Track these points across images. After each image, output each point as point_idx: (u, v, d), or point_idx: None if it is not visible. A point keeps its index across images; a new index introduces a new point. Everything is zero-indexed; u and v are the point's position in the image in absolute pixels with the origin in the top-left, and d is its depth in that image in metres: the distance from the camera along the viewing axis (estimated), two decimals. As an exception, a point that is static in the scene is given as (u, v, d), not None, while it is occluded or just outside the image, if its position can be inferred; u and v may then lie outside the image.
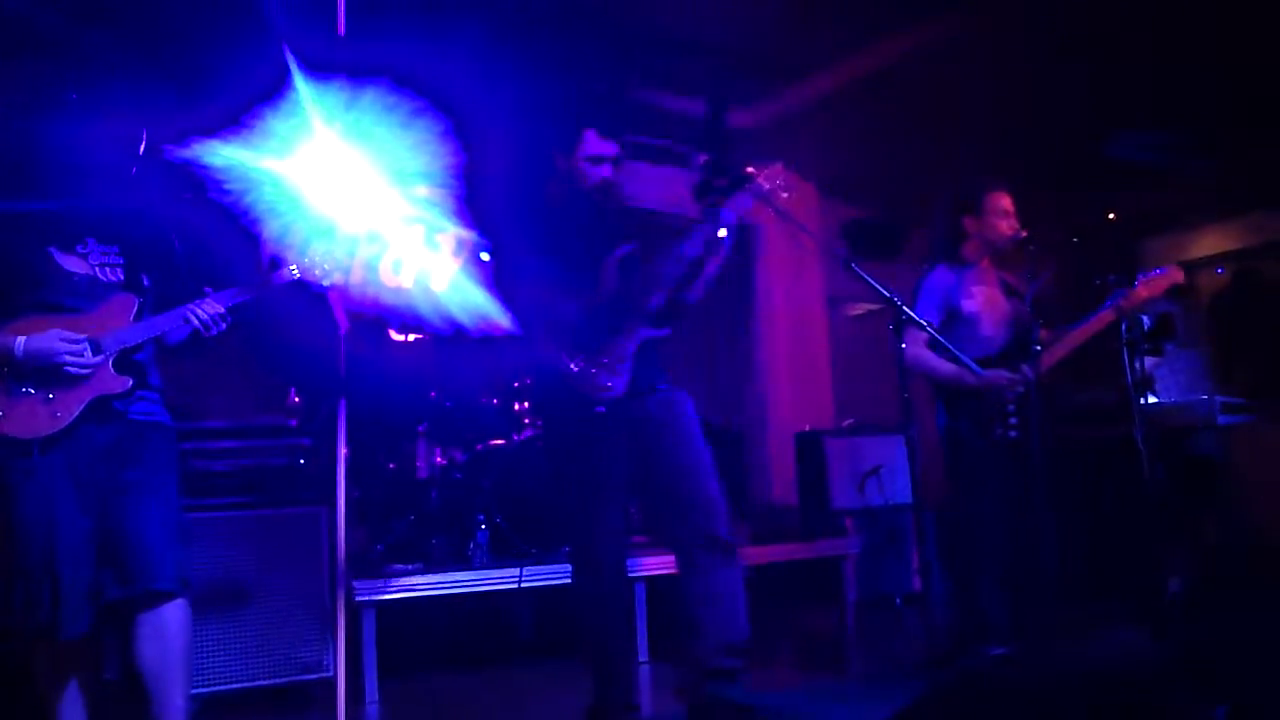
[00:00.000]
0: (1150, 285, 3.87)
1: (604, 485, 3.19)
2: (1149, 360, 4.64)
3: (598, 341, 3.15)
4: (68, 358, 2.66)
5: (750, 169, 3.25)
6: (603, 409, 3.10)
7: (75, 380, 2.68)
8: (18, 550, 2.60)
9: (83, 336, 2.70)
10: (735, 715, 2.96)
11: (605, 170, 3.28)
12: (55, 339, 2.66)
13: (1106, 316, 3.87)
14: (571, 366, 3.10)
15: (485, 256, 5.86)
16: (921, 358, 3.86)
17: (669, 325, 3.24)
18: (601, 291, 3.19)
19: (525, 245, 3.24)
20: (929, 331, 3.47)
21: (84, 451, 2.68)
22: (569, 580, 3.28)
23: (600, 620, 3.23)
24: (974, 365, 3.46)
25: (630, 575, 4.49)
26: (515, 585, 4.41)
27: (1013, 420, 3.81)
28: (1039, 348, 3.74)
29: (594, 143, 3.25)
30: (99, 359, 2.70)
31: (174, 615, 2.71)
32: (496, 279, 3.37)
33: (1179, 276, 3.90)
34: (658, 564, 4.54)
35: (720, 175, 3.39)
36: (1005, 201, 4.02)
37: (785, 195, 3.25)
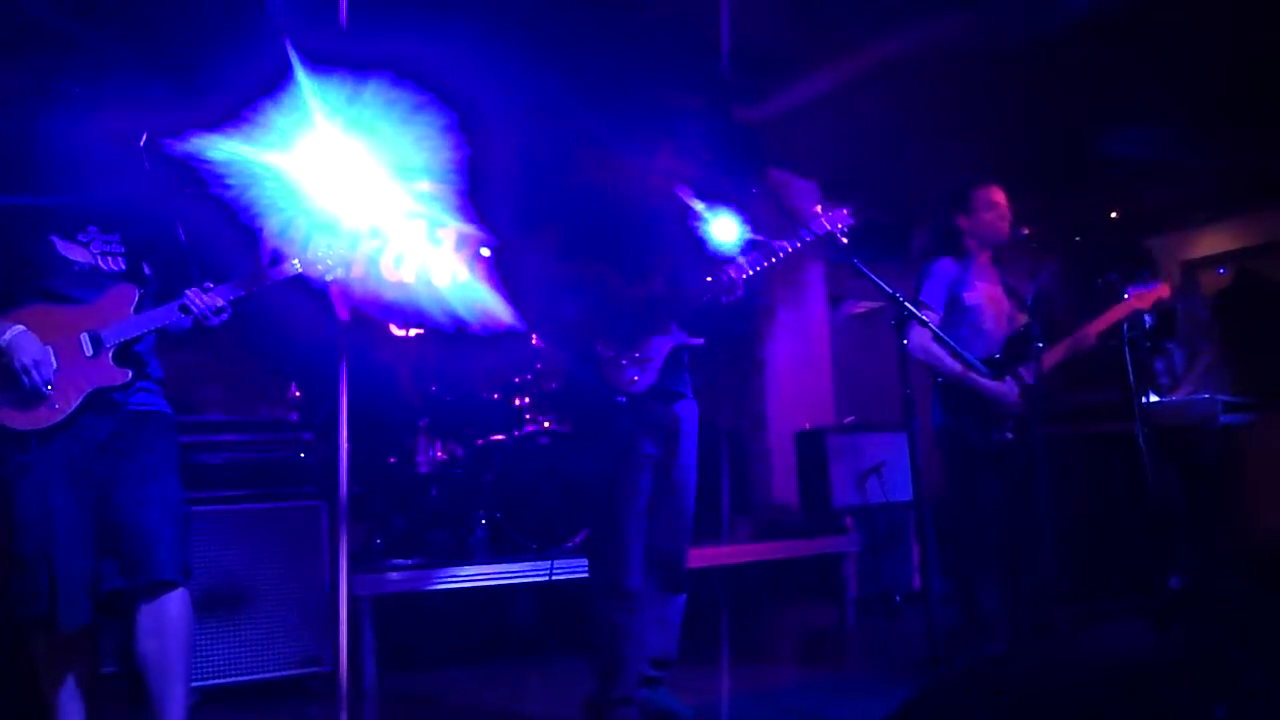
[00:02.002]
0: (1141, 298, 3.95)
1: (627, 476, 3.22)
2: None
3: (632, 336, 3.23)
4: (32, 373, 2.62)
5: (816, 209, 3.32)
6: (623, 399, 3.18)
7: (70, 373, 2.68)
8: (15, 542, 2.61)
9: (53, 376, 2.66)
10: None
11: (673, 180, 3.39)
12: (40, 352, 2.63)
13: (1110, 318, 3.92)
14: (601, 352, 3.18)
15: (485, 252, 5.87)
16: (930, 349, 3.85)
17: (703, 334, 3.34)
18: (646, 291, 3.28)
19: (567, 235, 3.31)
20: (932, 329, 3.47)
21: (82, 443, 2.68)
22: (581, 575, 3.37)
23: (615, 613, 3.23)
24: (981, 367, 3.49)
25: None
26: (519, 579, 4.43)
27: (1009, 424, 3.82)
28: (1039, 345, 3.74)
29: (669, 157, 3.39)
30: (50, 389, 2.65)
31: (175, 606, 2.70)
32: (513, 269, 3.44)
33: (1165, 292, 3.99)
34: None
35: (727, 174, 3.44)
36: (995, 195, 4.03)
37: (845, 241, 3.31)
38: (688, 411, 3.36)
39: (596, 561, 3.29)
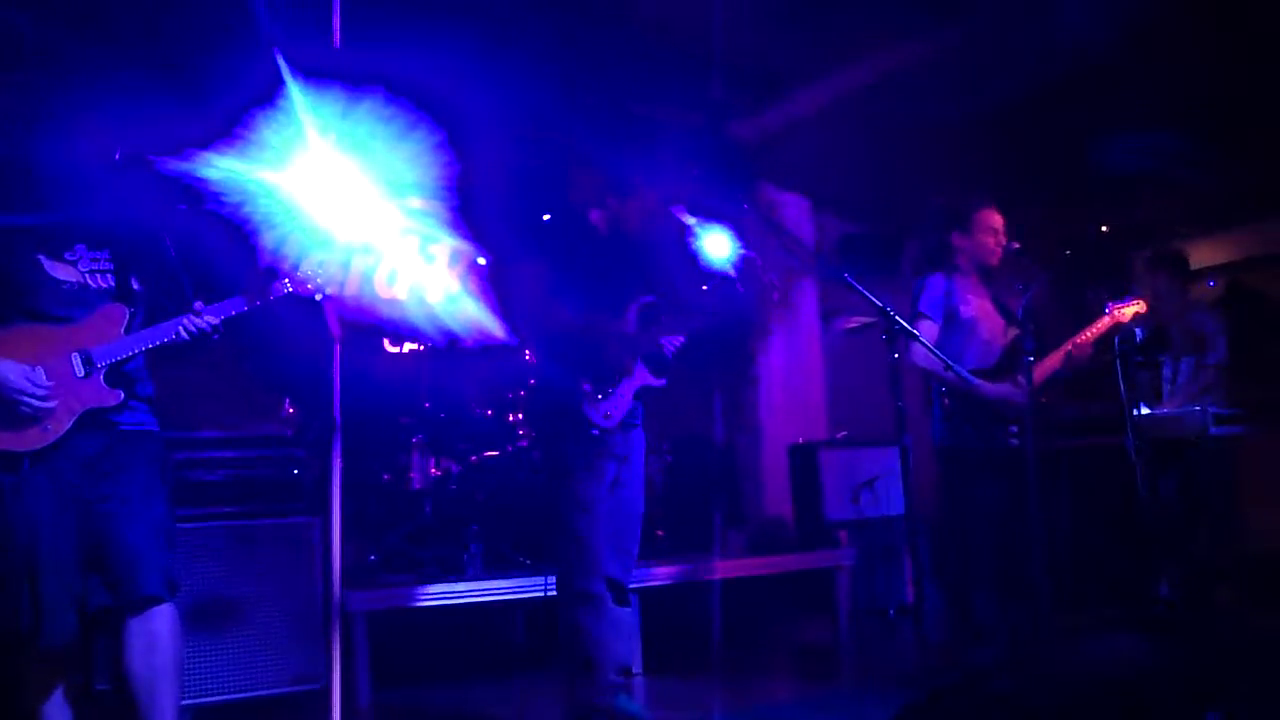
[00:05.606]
0: (1120, 313, 4.01)
1: (597, 496, 3.41)
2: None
3: (610, 375, 3.46)
4: (23, 398, 2.60)
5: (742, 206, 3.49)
6: (597, 432, 3.42)
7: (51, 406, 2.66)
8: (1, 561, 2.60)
9: (48, 385, 2.65)
10: None
11: (647, 219, 3.58)
12: (23, 376, 2.61)
13: (1090, 332, 3.97)
14: (585, 387, 3.41)
15: (481, 261, 5.88)
16: (933, 361, 3.87)
17: (667, 375, 3.59)
18: (622, 331, 3.50)
19: (556, 270, 3.47)
20: (925, 345, 3.50)
21: (72, 461, 2.68)
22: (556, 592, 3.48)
23: (584, 618, 3.37)
24: (973, 379, 3.55)
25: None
26: (513, 595, 4.42)
27: (1013, 429, 3.86)
28: (1031, 359, 3.77)
29: (648, 196, 3.55)
30: (52, 403, 2.64)
31: (163, 621, 2.70)
32: (505, 286, 3.55)
33: (1143, 307, 4.09)
34: (661, 574, 4.56)
35: (711, 194, 3.55)
36: (995, 219, 4.08)
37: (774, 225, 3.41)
38: (638, 440, 3.62)
39: (567, 571, 3.45)
